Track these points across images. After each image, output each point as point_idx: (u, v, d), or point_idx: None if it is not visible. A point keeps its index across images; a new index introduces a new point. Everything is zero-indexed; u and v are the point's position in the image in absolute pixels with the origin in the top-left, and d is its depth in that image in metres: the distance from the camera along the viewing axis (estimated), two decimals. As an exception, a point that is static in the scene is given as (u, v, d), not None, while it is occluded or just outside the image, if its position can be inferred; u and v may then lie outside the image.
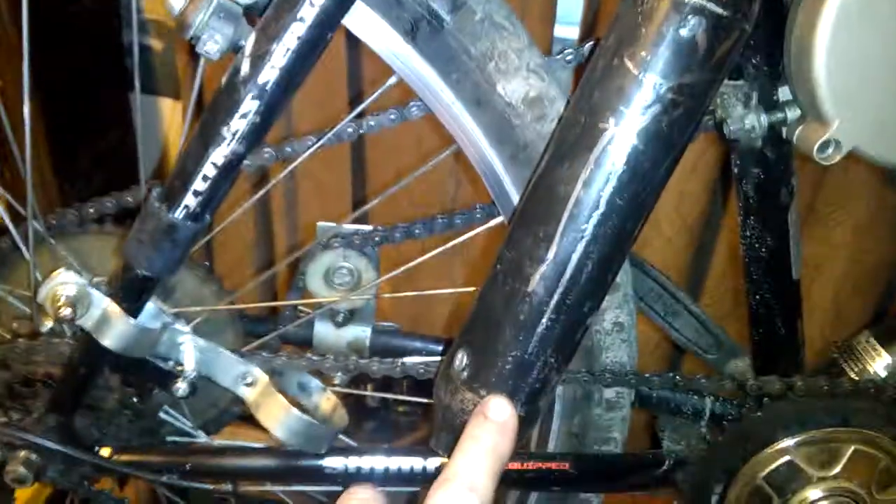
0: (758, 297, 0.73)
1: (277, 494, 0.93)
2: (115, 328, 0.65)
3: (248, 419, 1.07)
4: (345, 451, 0.74)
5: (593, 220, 0.54)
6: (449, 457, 0.63)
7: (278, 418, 0.70)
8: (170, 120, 1.69)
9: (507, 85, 0.62)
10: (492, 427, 0.52)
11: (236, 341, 0.83)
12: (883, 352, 0.76)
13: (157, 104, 1.68)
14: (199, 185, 0.60)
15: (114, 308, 0.64)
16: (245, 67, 0.56)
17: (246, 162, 0.69)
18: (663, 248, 1.45)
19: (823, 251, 1.42)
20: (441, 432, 0.64)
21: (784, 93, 0.62)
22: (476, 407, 0.57)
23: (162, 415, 0.81)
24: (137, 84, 1.46)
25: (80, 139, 1.57)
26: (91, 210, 0.78)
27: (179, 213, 0.61)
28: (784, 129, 0.63)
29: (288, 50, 0.55)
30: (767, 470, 0.74)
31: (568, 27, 1.36)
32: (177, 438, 0.83)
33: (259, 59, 0.56)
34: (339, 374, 0.79)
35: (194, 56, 1.45)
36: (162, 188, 0.62)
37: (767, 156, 0.65)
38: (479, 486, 0.47)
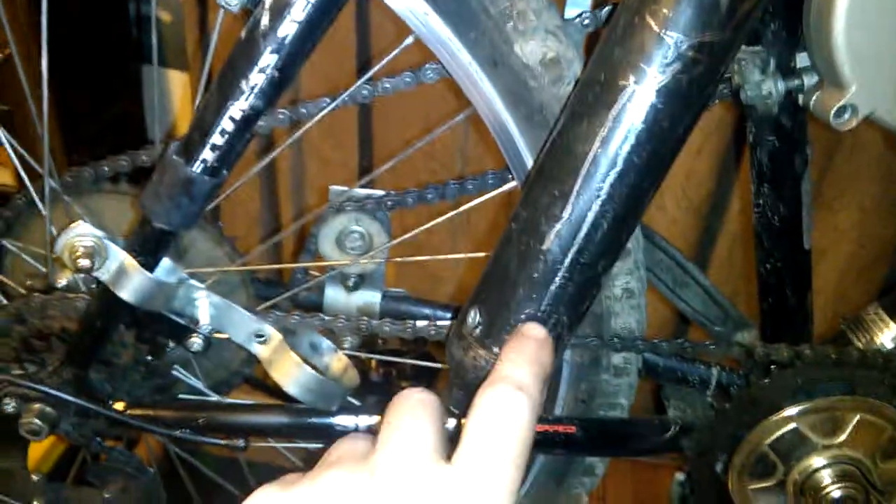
0: (768, 266, 0.73)
1: (286, 457, 0.95)
2: (131, 281, 0.65)
3: (257, 384, 1.09)
4: (355, 409, 0.75)
5: (610, 179, 0.54)
6: (459, 412, 0.64)
7: (291, 375, 0.70)
8: (178, 92, 1.69)
9: (524, 46, 0.62)
10: (531, 341, 0.53)
11: (248, 304, 0.84)
12: (891, 322, 0.76)
13: (166, 76, 1.68)
14: (216, 139, 0.61)
15: (131, 261, 0.65)
16: (264, 20, 0.56)
17: (260, 123, 0.70)
18: (669, 229, 1.45)
19: (828, 236, 1.42)
20: (454, 389, 0.65)
21: (802, 59, 0.62)
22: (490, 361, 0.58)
23: (174, 373, 0.82)
24: (155, 56, 1.46)
25: (89, 111, 1.57)
26: (106, 169, 0.78)
27: (197, 167, 0.61)
28: (801, 96, 0.63)
29: (308, 3, 0.55)
30: (773, 437, 0.75)
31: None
32: (189, 396, 0.83)
33: (278, 11, 0.56)
34: (351, 334, 0.79)
35: (204, 28, 1.46)
36: (179, 142, 0.62)
37: (783, 123, 0.65)
38: (528, 386, 0.47)
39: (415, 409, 0.47)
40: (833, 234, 1.42)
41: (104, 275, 0.65)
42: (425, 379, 1.68)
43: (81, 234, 0.64)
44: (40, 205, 0.75)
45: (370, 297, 0.88)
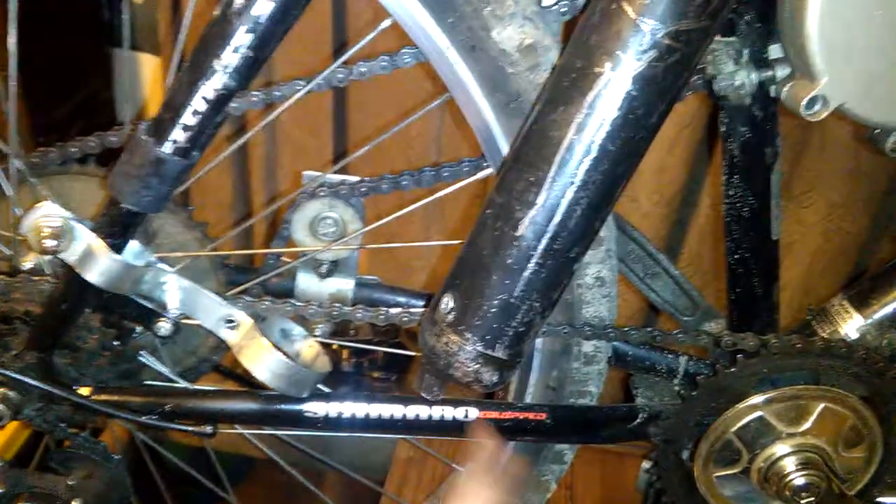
0: (737, 255, 0.74)
1: (255, 445, 0.94)
2: (98, 263, 0.64)
3: (227, 374, 1.08)
4: (326, 396, 0.74)
5: (585, 166, 0.54)
6: (431, 398, 0.64)
7: (261, 360, 0.70)
8: (150, 76, 1.66)
9: (502, 31, 0.62)
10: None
11: (218, 290, 0.82)
12: (855, 313, 0.78)
13: (138, 59, 1.65)
14: (188, 119, 0.60)
15: (98, 243, 0.64)
16: (239, -1, 0.56)
17: (233, 105, 0.69)
18: (641, 223, 1.46)
19: (795, 230, 1.45)
20: (425, 375, 0.65)
21: (775, 51, 0.63)
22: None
23: (141, 359, 0.81)
24: (127, 39, 1.43)
25: (58, 95, 1.54)
26: (74, 150, 0.77)
27: (167, 148, 0.60)
28: (773, 88, 0.64)
29: (284, -19, 0.54)
30: (738, 425, 0.76)
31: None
32: (156, 383, 0.82)
33: (254, -10, 0.55)
34: (323, 321, 0.79)
35: (176, 10, 1.43)
36: (150, 122, 0.61)
37: (755, 114, 0.66)
38: None
39: None
40: (800, 229, 1.44)
41: (70, 256, 0.64)
42: (396, 369, 1.68)
43: (47, 214, 0.63)
44: (5, 185, 0.73)
45: (343, 285, 0.88)
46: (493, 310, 0.58)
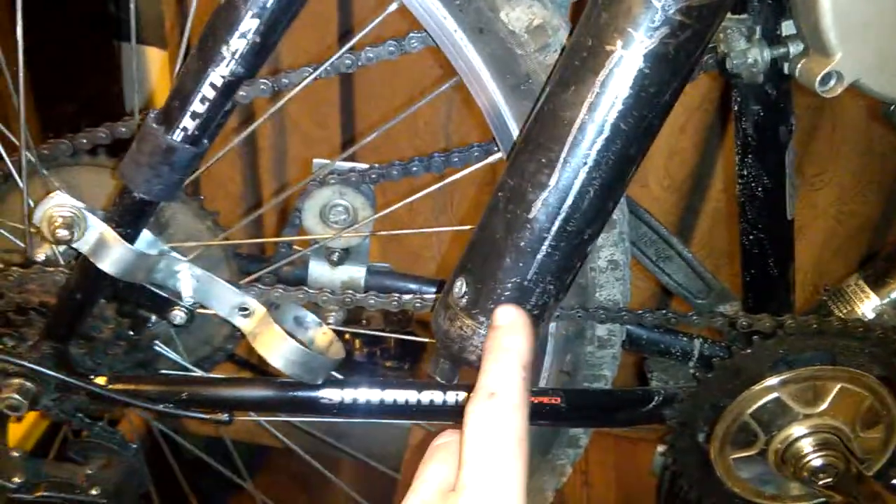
0: (751, 236, 0.74)
1: (271, 432, 0.94)
2: (111, 253, 0.64)
3: (241, 362, 1.08)
4: (340, 382, 0.75)
5: (597, 146, 0.54)
6: (445, 382, 0.64)
7: (275, 347, 0.70)
8: (157, 70, 1.66)
9: (510, 12, 0.62)
10: (502, 333, 0.53)
11: (231, 279, 0.83)
12: (871, 293, 0.77)
13: (144, 53, 1.65)
14: (197, 106, 0.60)
15: (110, 232, 0.64)
16: (246, -16, 0.55)
17: (242, 93, 0.68)
18: (651, 207, 1.44)
19: (807, 213, 1.44)
20: (439, 359, 0.65)
21: (787, 27, 0.62)
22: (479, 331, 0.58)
23: (157, 349, 0.81)
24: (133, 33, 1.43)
25: (66, 90, 1.54)
26: (84, 141, 0.77)
27: (177, 135, 0.60)
28: (786, 65, 0.63)
29: (291, -34, 0.54)
30: (755, 406, 0.75)
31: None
32: (171, 372, 0.83)
33: (260, -25, 0.55)
34: (336, 308, 0.79)
35: (181, 3, 1.43)
36: (159, 110, 0.61)
37: (768, 92, 0.65)
38: (508, 391, 0.48)
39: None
40: (812, 212, 1.43)
41: (84, 246, 0.64)
42: (409, 358, 1.68)
43: (60, 204, 0.63)
44: (17, 178, 0.74)
45: (355, 272, 0.88)
46: (507, 293, 0.58)
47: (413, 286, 0.91)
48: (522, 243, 0.57)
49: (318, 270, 0.86)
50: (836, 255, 1.49)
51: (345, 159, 0.81)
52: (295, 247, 0.86)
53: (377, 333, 1.16)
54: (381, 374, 1.69)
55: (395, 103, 1.36)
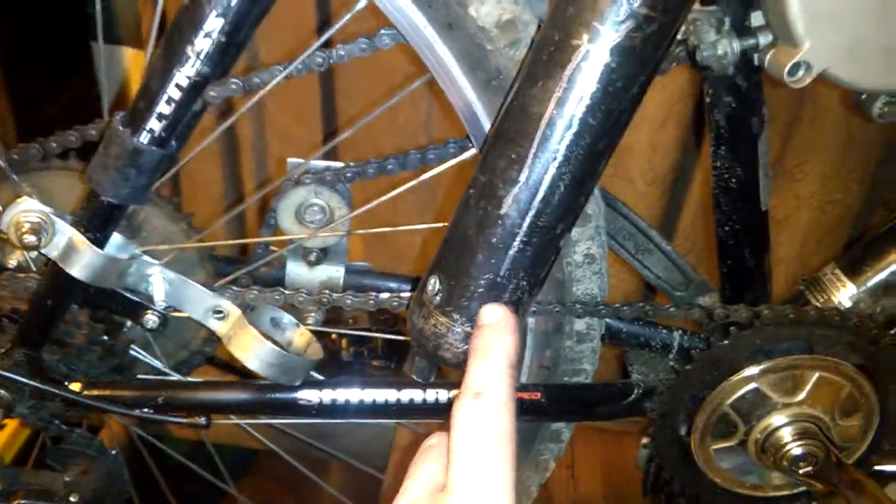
0: (727, 228, 0.74)
1: (252, 435, 0.94)
2: (81, 257, 0.64)
3: (222, 365, 1.07)
4: (319, 383, 0.74)
5: (566, 141, 0.54)
6: (422, 381, 0.64)
7: (251, 350, 0.69)
8: (135, 70, 1.65)
9: (480, 7, 0.61)
10: (488, 332, 0.53)
11: (207, 282, 0.82)
12: (848, 282, 0.77)
13: (121, 54, 1.64)
14: (163, 107, 0.59)
15: (79, 237, 0.63)
16: (209, -17, 0.55)
17: (213, 94, 0.68)
18: (635, 201, 1.45)
19: (789, 204, 1.44)
20: (415, 357, 0.64)
21: (756, 18, 0.62)
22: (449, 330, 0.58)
23: (133, 353, 0.80)
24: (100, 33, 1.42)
25: (44, 93, 1.53)
26: (54, 145, 0.76)
27: (144, 138, 0.59)
28: (756, 56, 0.63)
29: (254, -36, 0.53)
30: (734, 397, 0.76)
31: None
32: (148, 377, 0.82)
33: (224, -27, 0.54)
34: (314, 308, 0.78)
35: (157, 3, 1.42)
36: (125, 112, 0.61)
37: (739, 83, 0.65)
38: (494, 388, 0.49)
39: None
40: (794, 202, 1.44)
41: (52, 251, 0.63)
42: (396, 357, 1.68)
43: (27, 209, 0.62)
44: (-14, 183, 0.73)
45: (333, 272, 0.87)
46: (480, 289, 0.58)
47: (392, 284, 0.91)
48: (494, 239, 0.56)
49: (296, 271, 0.86)
50: (820, 246, 1.49)
51: (323, 158, 0.81)
52: (272, 247, 0.85)
53: (362, 333, 1.16)
54: (368, 373, 1.69)
55: (375, 100, 1.35)
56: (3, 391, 0.71)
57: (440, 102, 1.33)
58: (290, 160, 0.82)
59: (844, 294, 0.78)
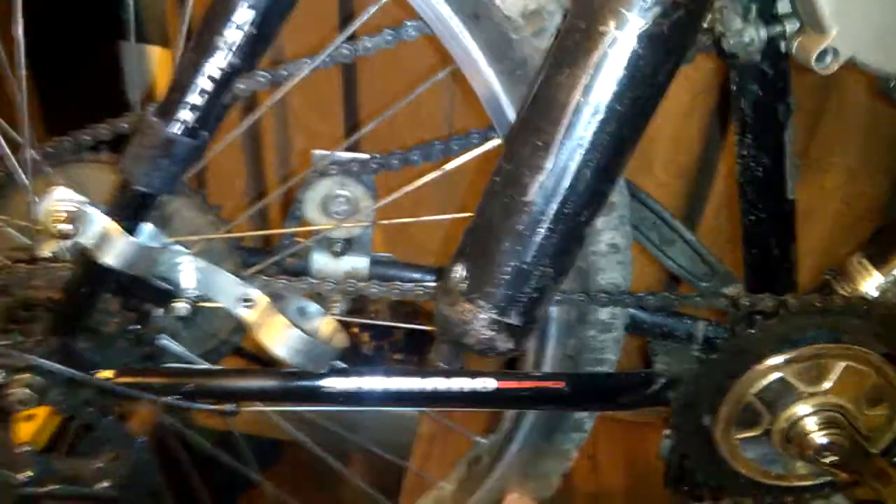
0: (752, 217, 0.73)
1: (278, 422, 0.95)
2: (114, 246, 0.65)
3: (248, 356, 1.09)
4: (344, 371, 0.75)
5: (593, 128, 0.54)
6: (450, 368, 0.64)
7: (279, 337, 0.70)
8: (161, 69, 1.67)
9: (505, -3, 0.62)
10: None
11: (234, 272, 0.83)
12: (874, 271, 0.77)
13: (148, 52, 1.66)
14: (194, 98, 0.60)
15: (112, 225, 0.64)
16: (240, -25, 0.56)
17: (241, 86, 0.69)
18: (657, 194, 1.44)
19: (816, 196, 1.43)
20: (440, 344, 0.65)
21: (783, 5, 0.62)
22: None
23: (162, 342, 0.82)
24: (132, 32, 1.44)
25: (70, 91, 1.55)
26: (87, 137, 0.78)
27: (176, 128, 0.61)
28: (783, 43, 0.63)
29: (284, -44, 0.54)
30: (758, 386, 0.75)
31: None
32: (177, 365, 0.83)
33: (254, -35, 0.55)
34: (339, 298, 0.79)
35: (183, 2, 1.43)
36: (159, 103, 0.62)
37: (765, 71, 0.65)
38: None
39: None
40: (820, 194, 1.42)
41: (86, 240, 0.64)
42: (417, 351, 1.69)
43: (60, 198, 0.64)
44: (22, 175, 0.75)
45: (358, 263, 0.88)
46: (506, 276, 0.58)
47: (416, 275, 0.91)
48: (520, 227, 0.57)
49: (321, 261, 0.87)
50: (846, 238, 1.48)
51: (346, 150, 0.82)
52: (297, 238, 0.87)
53: (384, 323, 1.17)
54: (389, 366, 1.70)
55: (398, 96, 1.36)
56: (37, 378, 0.72)
57: (462, 94, 1.33)
58: (315, 152, 0.83)
59: (871, 283, 0.77)
